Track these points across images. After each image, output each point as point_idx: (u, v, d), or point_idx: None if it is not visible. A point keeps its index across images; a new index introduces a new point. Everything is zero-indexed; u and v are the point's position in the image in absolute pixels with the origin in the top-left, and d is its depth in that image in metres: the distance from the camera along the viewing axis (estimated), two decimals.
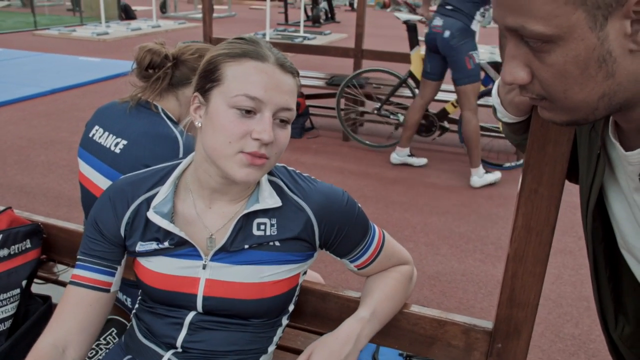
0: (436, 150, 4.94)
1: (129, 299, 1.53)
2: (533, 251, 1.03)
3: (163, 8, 14.22)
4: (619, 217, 0.91)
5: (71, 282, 1.11)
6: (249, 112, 0.96)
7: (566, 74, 0.68)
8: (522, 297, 1.07)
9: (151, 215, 1.06)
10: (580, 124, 0.76)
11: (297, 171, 1.14)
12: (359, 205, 1.14)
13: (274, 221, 1.07)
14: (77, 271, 1.11)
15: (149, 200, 1.08)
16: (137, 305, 1.19)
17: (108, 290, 1.11)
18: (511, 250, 1.04)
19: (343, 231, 1.10)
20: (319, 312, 1.28)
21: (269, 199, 1.06)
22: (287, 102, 0.99)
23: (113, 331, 1.49)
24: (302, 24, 11.39)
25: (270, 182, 1.09)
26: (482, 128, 4.51)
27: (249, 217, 1.06)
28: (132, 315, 1.20)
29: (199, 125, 1.03)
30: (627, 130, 0.80)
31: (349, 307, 1.22)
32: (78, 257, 1.12)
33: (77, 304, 1.09)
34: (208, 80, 1.00)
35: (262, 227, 1.06)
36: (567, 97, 0.70)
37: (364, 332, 1.11)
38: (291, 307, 1.16)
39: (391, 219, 3.55)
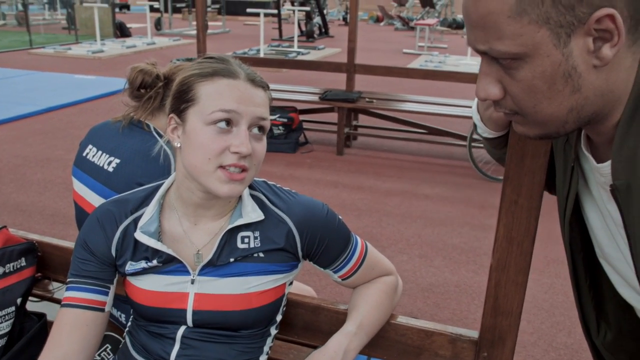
0: (429, 163, 4.98)
1: (123, 315, 1.55)
2: (515, 261, 1.06)
3: (158, 25, 14.31)
4: (594, 227, 0.94)
5: (64, 305, 1.11)
6: (227, 124, 0.99)
7: (535, 89, 0.72)
8: (505, 306, 1.10)
9: (138, 235, 1.09)
10: (552, 138, 0.79)
11: (278, 185, 1.18)
12: (340, 217, 1.17)
13: (257, 234, 1.10)
14: (69, 293, 1.12)
15: (136, 221, 1.11)
16: (129, 323, 1.21)
17: (103, 310, 1.12)
18: (494, 260, 1.07)
19: (324, 242, 1.13)
20: (310, 325, 1.30)
21: (252, 213, 1.09)
22: (261, 113, 1.02)
23: (107, 347, 1.50)
24: (295, 39, 11.47)
25: (252, 196, 1.12)
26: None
27: (232, 232, 1.09)
28: (125, 333, 1.22)
29: (178, 145, 1.06)
30: (598, 143, 0.83)
31: (339, 319, 1.24)
32: (69, 279, 1.13)
33: (73, 325, 1.10)
34: (182, 100, 1.04)
35: (246, 240, 1.09)
36: (537, 111, 0.74)
37: (351, 346, 1.13)
38: (279, 318, 1.19)
39: (385, 232, 3.57)
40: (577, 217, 0.98)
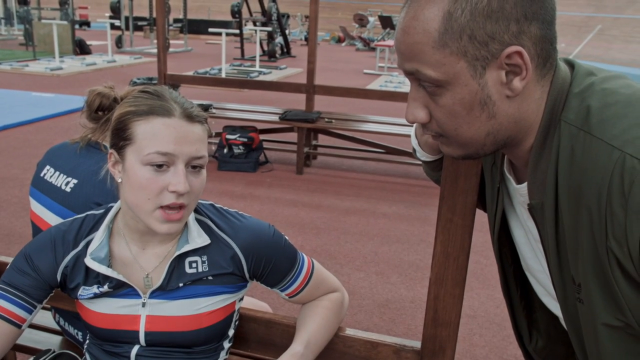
0: (387, 182, 5.09)
1: (79, 333, 1.57)
2: (452, 275, 1.14)
3: (119, 43, 14.21)
4: (519, 242, 1.03)
5: None
6: (161, 167, 1.01)
7: (455, 114, 0.80)
8: (444, 317, 1.17)
9: (89, 261, 1.10)
10: (473, 158, 0.88)
11: (225, 208, 1.21)
12: (286, 237, 1.22)
13: (204, 258, 1.13)
14: None
15: (87, 246, 1.13)
16: (87, 341, 1.24)
17: (20, 326, 1.12)
18: (432, 274, 1.15)
19: (270, 263, 1.17)
20: (264, 339, 1.35)
21: (198, 239, 1.12)
22: (197, 151, 1.04)
23: None
24: (257, 58, 11.57)
25: (198, 221, 1.16)
26: None
27: (180, 258, 1.13)
28: (85, 350, 1.24)
29: (119, 180, 1.08)
30: (518, 166, 0.93)
31: (292, 333, 1.29)
32: None
33: None
34: (120, 138, 1.06)
35: (194, 265, 1.13)
36: (459, 134, 0.83)
37: None
38: (231, 332, 1.23)
39: (343, 250, 3.65)
40: (505, 233, 1.06)
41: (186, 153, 1.03)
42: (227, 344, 1.23)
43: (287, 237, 1.23)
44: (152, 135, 1.02)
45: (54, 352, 1.33)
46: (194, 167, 1.05)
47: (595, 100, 0.78)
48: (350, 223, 4.11)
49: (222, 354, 1.22)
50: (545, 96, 0.82)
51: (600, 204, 0.75)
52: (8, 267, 1.14)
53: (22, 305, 1.11)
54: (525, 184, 0.89)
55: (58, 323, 1.64)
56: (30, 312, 1.13)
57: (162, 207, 1.03)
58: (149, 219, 1.04)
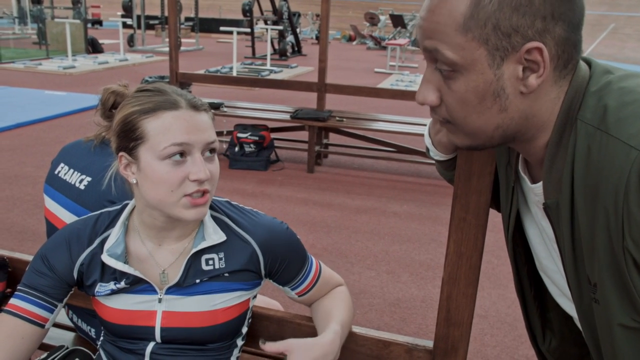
0: (397, 181, 5.08)
1: (93, 330, 1.58)
2: (465, 274, 1.13)
3: (130, 42, 14.28)
4: (534, 242, 1.03)
5: (6, 311, 1.12)
6: (181, 156, 1.02)
7: (466, 101, 0.80)
8: (457, 316, 1.17)
9: (105, 258, 1.11)
10: (480, 149, 0.88)
11: (240, 205, 1.22)
12: (297, 236, 1.23)
13: (221, 255, 1.14)
14: (14, 301, 1.12)
15: (102, 243, 1.14)
16: (101, 338, 1.24)
17: (43, 326, 1.13)
18: (445, 274, 1.15)
19: (285, 261, 1.18)
20: (276, 336, 1.35)
21: (214, 235, 1.13)
22: (210, 137, 1.06)
23: None
24: (269, 57, 11.59)
25: (214, 218, 1.16)
26: None
27: (197, 255, 1.13)
28: (99, 347, 1.25)
29: (134, 181, 1.07)
30: (532, 163, 0.92)
31: (302, 331, 1.30)
32: (18, 287, 1.14)
33: (9, 335, 1.10)
34: (130, 139, 1.05)
35: (211, 262, 1.14)
36: (467, 122, 0.82)
37: (339, 343, 1.14)
38: (244, 329, 1.24)
39: (353, 248, 3.64)
40: (519, 233, 1.06)
41: (200, 140, 1.04)
42: (240, 342, 1.24)
43: (297, 236, 1.24)
44: (164, 129, 1.02)
45: (67, 348, 1.34)
46: (209, 153, 1.06)
47: (612, 99, 0.78)
48: (361, 222, 4.10)
49: (235, 352, 1.23)
50: (562, 95, 0.81)
51: (617, 203, 0.74)
52: (27, 269, 1.16)
53: (43, 306, 1.13)
54: (540, 183, 0.88)
55: (71, 320, 1.65)
56: (51, 311, 1.14)
57: (186, 195, 1.04)
58: (175, 209, 1.04)
